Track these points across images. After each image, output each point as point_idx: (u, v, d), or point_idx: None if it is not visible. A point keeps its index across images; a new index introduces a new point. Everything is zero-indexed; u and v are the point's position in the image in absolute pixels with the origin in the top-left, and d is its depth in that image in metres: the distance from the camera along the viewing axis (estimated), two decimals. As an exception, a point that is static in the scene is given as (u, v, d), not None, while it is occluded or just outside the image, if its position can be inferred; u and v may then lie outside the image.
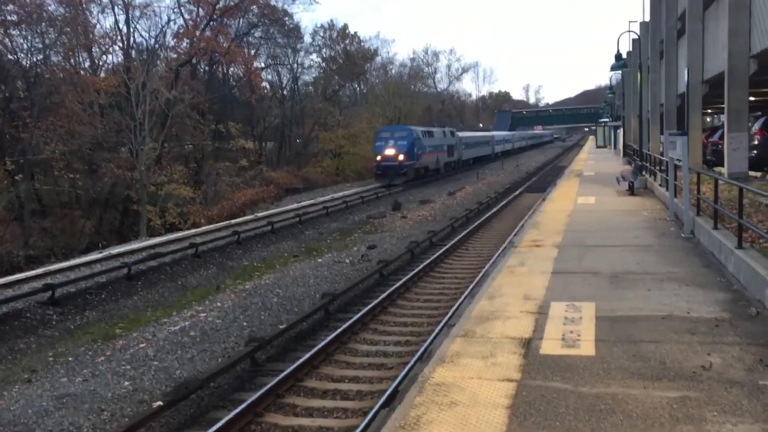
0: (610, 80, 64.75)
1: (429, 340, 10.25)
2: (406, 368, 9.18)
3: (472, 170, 60.58)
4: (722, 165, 19.44)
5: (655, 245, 12.68)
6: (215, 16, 54.54)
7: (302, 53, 74.68)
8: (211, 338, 11.99)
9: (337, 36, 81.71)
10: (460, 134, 63.91)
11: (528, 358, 6.67)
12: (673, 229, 14.53)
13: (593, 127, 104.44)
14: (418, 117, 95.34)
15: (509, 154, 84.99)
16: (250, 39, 63.84)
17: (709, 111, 39.38)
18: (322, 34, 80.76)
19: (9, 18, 39.44)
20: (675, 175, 16.11)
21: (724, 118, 19.84)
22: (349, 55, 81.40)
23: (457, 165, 61.31)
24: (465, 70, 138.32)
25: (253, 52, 64.42)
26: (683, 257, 11.39)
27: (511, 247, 13.94)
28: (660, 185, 20.81)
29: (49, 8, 42.24)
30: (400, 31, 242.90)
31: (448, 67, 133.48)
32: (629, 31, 36.72)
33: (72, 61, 45.67)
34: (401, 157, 44.73)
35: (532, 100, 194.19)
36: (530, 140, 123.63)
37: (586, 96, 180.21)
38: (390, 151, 45.12)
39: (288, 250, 22.20)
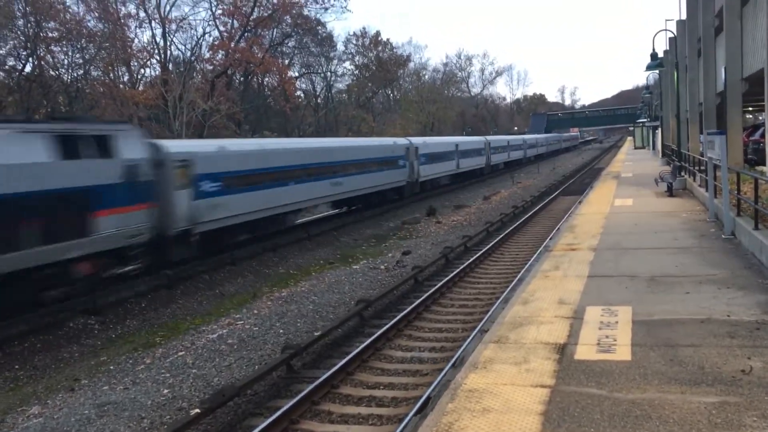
0: (647, 80, 63.26)
1: (463, 347, 10.21)
2: (440, 375, 9.15)
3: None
4: (764, 164, 19.00)
5: (694, 247, 12.45)
6: (249, 27, 55.31)
7: (335, 61, 75.44)
8: (248, 345, 12.12)
9: (370, 43, 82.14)
10: (233, 146, 23.95)
11: (562, 363, 6.60)
12: (713, 230, 14.25)
13: (631, 128, 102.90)
14: (452, 122, 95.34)
15: (474, 180, 52.38)
16: (284, 49, 64.65)
17: (750, 109, 38.51)
18: (354, 41, 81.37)
19: (50, 35, 40.54)
20: (714, 175, 15.79)
21: (765, 115, 19.37)
22: (381, 62, 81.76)
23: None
24: (499, 74, 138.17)
25: (287, 61, 65.18)
26: (723, 259, 11.16)
27: (546, 251, 13.83)
28: (699, 186, 20.42)
29: (89, 24, 43.39)
30: (433, 36, 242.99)
31: (482, 71, 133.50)
32: (665, 30, 36.08)
33: (111, 75, 46.77)
34: None
35: (567, 102, 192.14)
36: (534, 148, 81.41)
37: (623, 96, 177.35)
38: None
39: (323, 257, 22.31)
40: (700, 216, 16.59)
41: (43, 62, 40.80)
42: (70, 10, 42.75)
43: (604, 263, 11.51)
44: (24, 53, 39.64)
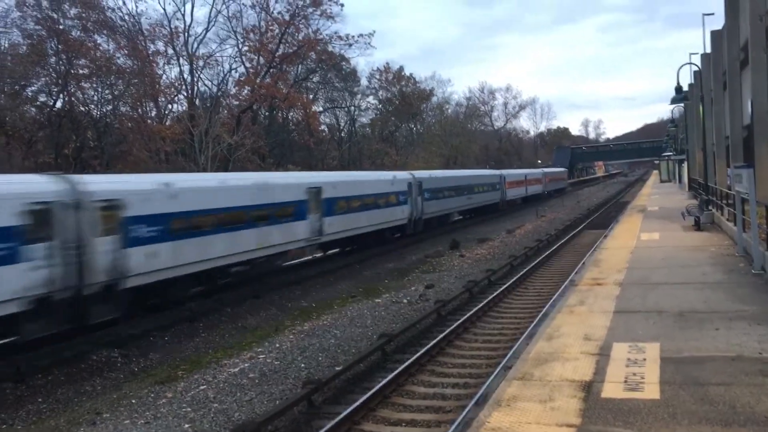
0: (672, 113, 62.83)
1: (486, 383, 10.03)
2: (463, 412, 8.99)
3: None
4: (793, 197, 18.65)
5: (723, 282, 12.21)
6: (275, 64, 56.15)
7: (359, 96, 76.05)
8: (270, 380, 12.05)
9: (393, 78, 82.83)
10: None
11: (588, 401, 6.45)
12: (743, 265, 13.98)
13: (656, 162, 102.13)
14: (475, 155, 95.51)
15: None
16: (309, 84, 65.41)
17: (778, 142, 37.93)
18: (378, 76, 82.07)
19: (81, 72, 41.53)
20: (743, 209, 15.55)
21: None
22: (404, 96, 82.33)
23: None
24: (522, 108, 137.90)
25: (311, 96, 65.92)
26: (753, 294, 10.91)
27: (571, 285, 13.66)
28: (727, 220, 20.11)
29: (118, 61, 44.36)
30: (456, 70, 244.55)
31: (505, 104, 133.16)
32: (690, 63, 36.00)
33: (139, 110, 47.62)
34: None
35: (591, 136, 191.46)
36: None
37: (648, 130, 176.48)
38: None
39: (346, 290, 22.24)
40: (729, 250, 16.30)
41: (73, 98, 41.72)
42: (101, 47, 43.86)
43: (630, 298, 11.31)
44: (55, 89, 40.62)
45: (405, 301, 18.76)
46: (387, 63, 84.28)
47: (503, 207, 54.81)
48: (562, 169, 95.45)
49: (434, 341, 13.22)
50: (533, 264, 23.40)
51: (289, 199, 23.35)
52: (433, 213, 38.39)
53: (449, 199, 41.41)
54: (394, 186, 33.31)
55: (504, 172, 57.94)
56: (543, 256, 25.55)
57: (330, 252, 29.52)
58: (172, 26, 50.76)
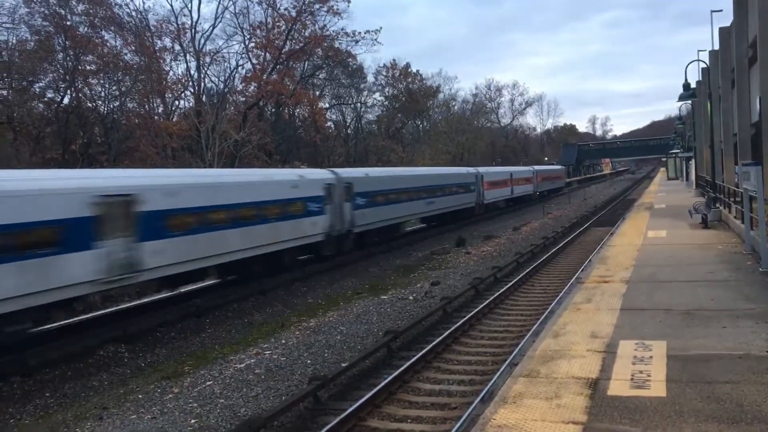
0: (680, 110, 62.38)
1: (492, 380, 10.03)
2: (469, 409, 8.99)
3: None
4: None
5: (730, 280, 12.17)
6: (281, 60, 56.14)
7: (365, 92, 76.00)
8: (276, 376, 12.08)
9: (400, 75, 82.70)
10: None
11: (595, 399, 6.44)
12: (750, 263, 13.93)
13: (664, 159, 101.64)
14: (481, 152, 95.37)
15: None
16: (315, 80, 65.40)
17: (787, 139, 37.72)
18: (384, 73, 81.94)
19: (88, 68, 41.62)
20: (750, 206, 15.49)
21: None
22: (411, 93, 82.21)
23: None
24: (529, 104, 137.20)
25: (318, 92, 65.92)
26: (761, 292, 10.87)
27: (577, 283, 13.64)
28: (735, 217, 20.04)
29: (125, 57, 44.44)
30: (462, 67, 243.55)
31: (511, 101, 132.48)
32: (698, 60, 35.79)
33: (146, 106, 47.67)
34: None
35: (599, 133, 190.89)
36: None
37: (655, 127, 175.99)
38: None
39: (351, 287, 22.26)
40: (736, 248, 16.24)
41: (80, 94, 41.81)
42: (108, 44, 43.95)
43: (637, 296, 11.29)
44: (62, 85, 40.71)
45: (411, 297, 18.77)
46: (393, 60, 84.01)
47: (480, 211, 46.91)
48: (558, 167, 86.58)
49: (440, 338, 13.22)
50: (539, 261, 23.36)
51: (45, 218, 14.12)
52: (370, 224, 29.52)
53: (397, 204, 32.78)
54: (300, 190, 24.07)
55: (482, 169, 49.60)
56: (549, 253, 25.51)
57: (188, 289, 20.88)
58: (179, 22, 50.85)
